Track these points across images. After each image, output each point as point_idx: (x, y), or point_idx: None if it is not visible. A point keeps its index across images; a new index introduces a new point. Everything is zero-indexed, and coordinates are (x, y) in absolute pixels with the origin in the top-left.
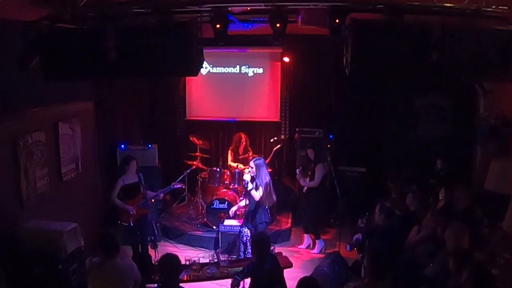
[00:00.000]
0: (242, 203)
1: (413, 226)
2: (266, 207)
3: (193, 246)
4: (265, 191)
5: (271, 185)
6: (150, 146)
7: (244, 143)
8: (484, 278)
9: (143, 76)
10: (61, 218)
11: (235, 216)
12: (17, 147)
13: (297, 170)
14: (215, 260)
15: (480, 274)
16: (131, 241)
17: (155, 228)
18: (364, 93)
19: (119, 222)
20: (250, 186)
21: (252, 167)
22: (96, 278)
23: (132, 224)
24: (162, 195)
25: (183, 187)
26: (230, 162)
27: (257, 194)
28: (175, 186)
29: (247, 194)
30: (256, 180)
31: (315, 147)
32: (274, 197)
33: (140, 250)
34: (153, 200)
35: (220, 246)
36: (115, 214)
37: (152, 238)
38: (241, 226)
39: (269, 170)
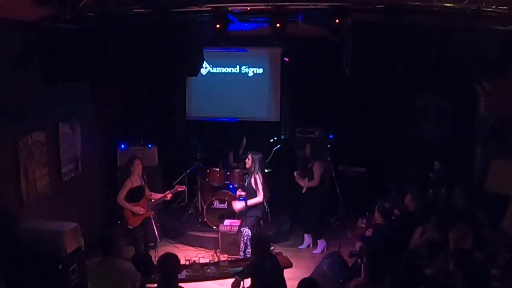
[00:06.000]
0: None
1: (412, 226)
2: (265, 205)
3: (193, 246)
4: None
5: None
6: (150, 146)
7: (244, 144)
8: (477, 278)
9: (143, 76)
10: (61, 218)
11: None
12: (17, 147)
13: (296, 172)
14: (215, 260)
15: (472, 274)
16: (134, 242)
17: (155, 228)
18: (364, 93)
19: (119, 222)
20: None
21: (248, 159)
22: (94, 277)
23: (138, 228)
24: (170, 195)
25: (185, 189)
26: (231, 164)
27: (260, 195)
28: (178, 190)
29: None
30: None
31: (313, 144)
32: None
33: (142, 251)
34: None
35: (220, 246)
36: (119, 216)
37: (153, 244)
38: (241, 226)
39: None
